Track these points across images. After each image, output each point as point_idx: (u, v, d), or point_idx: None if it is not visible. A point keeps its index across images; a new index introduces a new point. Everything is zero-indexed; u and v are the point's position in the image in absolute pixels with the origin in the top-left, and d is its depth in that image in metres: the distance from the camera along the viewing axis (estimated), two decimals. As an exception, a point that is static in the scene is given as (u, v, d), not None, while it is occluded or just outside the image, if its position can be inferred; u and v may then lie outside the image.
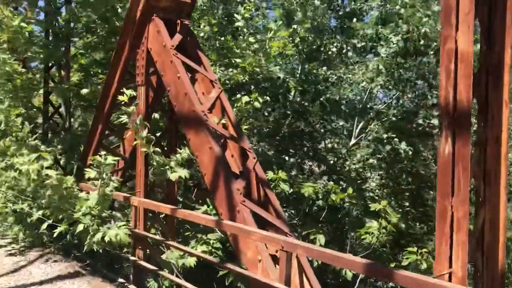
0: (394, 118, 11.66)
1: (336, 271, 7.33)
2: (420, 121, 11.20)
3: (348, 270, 5.94)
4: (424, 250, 5.88)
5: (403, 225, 6.72)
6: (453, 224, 3.47)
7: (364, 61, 12.85)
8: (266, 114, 11.57)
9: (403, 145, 11.17)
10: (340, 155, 12.36)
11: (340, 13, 13.43)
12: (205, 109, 6.50)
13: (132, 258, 6.93)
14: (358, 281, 6.74)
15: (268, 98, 10.06)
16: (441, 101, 3.55)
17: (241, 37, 10.61)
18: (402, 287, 3.33)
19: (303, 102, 11.55)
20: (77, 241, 7.96)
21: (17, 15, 10.24)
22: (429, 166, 13.11)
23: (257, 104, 8.76)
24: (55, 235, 7.35)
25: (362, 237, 6.84)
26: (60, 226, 7.17)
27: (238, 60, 9.96)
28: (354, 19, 12.69)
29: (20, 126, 8.88)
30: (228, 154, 6.92)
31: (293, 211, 9.59)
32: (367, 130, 12.79)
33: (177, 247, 6.38)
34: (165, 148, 8.48)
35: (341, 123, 12.45)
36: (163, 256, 6.94)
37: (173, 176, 6.61)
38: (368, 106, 12.84)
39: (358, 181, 12.13)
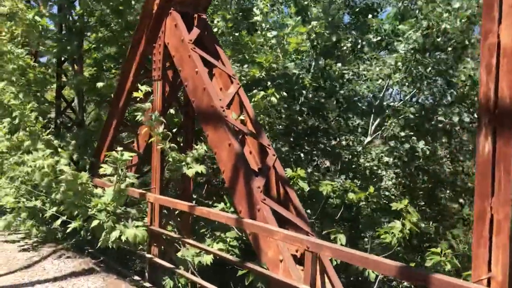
0: (412, 116, 11.43)
1: (353, 270, 7.20)
2: (441, 118, 10.96)
3: (371, 271, 5.81)
4: (449, 251, 5.72)
5: (422, 225, 6.54)
6: (492, 226, 3.31)
7: (380, 57, 12.65)
8: (280, 110, 11.40)
9: (421, 144, 11.00)
10: (356, 153, 12.18)
11: (357, 9, 13.22)
12: (224, 104, 6.37)
13: (148, 255, 6.83)
14: (377, 281, 6.59)
15: (285, 93, 9.90)
16: (480, 97, 3.38)
17: (258, 32, 10.45)
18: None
19: (318, 98, 11.38)
20: (90, 237, 7.87)
21: (31, 8, 10.16)
22: (444, 164, 12.93)
23: (273, 100, 8.63)
24: (68, 230, 7.25)
25: (382, 236, 6.68)
26: (74, 222, 7.07)
27: (255, 56, 9.81)
28: (370, 15, 12.49)
29: (34, 121, 8.81)
30: (246, 150, 6.77)
31: (308, 210, 9.44)
32: (383, 128, 12.59)
33: (194, 245, 6.27)
34: (181, 144, 8.36)
35: (357, 121, 12.24)
36: (179, 254, 6.84)
37: (190, 172, 6.50)
38: (385, 103, 12.63)
39: (374, 179, 11.95)
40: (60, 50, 10.72)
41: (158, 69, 7.47)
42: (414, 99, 12.61)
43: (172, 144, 6.83)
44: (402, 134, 11.51)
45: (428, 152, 11.19)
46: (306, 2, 12.96)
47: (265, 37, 10.06)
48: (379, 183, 11.88)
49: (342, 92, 11.89)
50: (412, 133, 11.41)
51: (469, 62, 11.15)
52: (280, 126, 12.14)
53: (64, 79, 11.66)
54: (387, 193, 12.02)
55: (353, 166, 11.80)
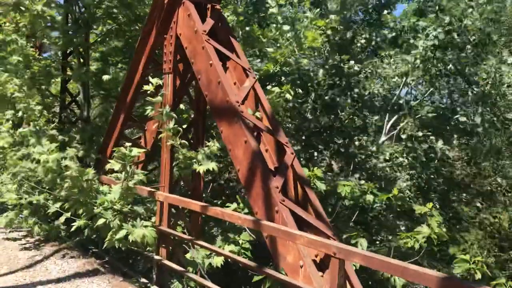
0: (430, 115, 11.02)
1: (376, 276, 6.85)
2: (462, 119, 10.54)
3: (397, 278, 5.44)
4: (478, 258, 5.35)
5: (444, 229, 6.19)
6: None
7: (396, 55, 12.26)
8: (293, 107, 11.02)
9: (439, 144, 10.60)
10: (370, 153, 11.79)
11: (370, 6, 12.82)
12: (240, 99, 6.02)
13: (157, 257, 6.47)
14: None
15: (300, 90, 9.53)
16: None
17: (273, 25, 10.06)
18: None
19: (333, 96, 10.99)
20: (95, 236, 7.54)
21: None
22: (460, 166, 12.54)
23: (289, 97, 8.27)
24: (73, 229, 6.91)
25: (404, 241, 6.33)
26: (78, 220, 6.74)
27: (269, 50, 9.42)
28: (385, 11, 12.12)
29: (38, 115, 8.50)
30: (262, 148, 6.40)
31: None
32: (399, 127, 12.20)
33: (206, 247, 5.92)
34: (191, 141, 8.00)
35: (374, 118, 11.82)
36: (188, 255, 6.50)
37: (201, 169, 6.16)
38: (401, 101, 12.21)
39: (391, 180, 11.57)
40: (66, 42, 10.38)
41: (169, 61, 7.13)
42: (430, 98, 12.19)
43: (183, 141, 6.49)
44: (420, 134, 11.11)
45: (447, 152, 10.79)
46: None
47: (280, 30, 9.64)
48: (393, 184, 11.48)
49: (356, 90, 11.50)
50: (430, 133, 11.00)
51: (491, 59, 10.71)
52: (290, 125, 11.78)
53: (69, 72, 11.32)
54: (401, 194, 11.60)
55: (368, 166, 11.41)
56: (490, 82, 10.69)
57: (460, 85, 11.58)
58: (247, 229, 6.83)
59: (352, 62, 12.06)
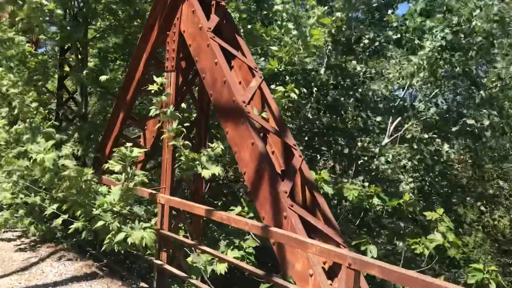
0: (437, 117, 10.83)
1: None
2: (470, 121, 10.35)
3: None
4: (492, 268, 5.16)
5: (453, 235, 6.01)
6: None
7: (401, 56, 12.06)
8: (296, 107, 10.80)
9: (445, 147, 10.43)
10: (373, 155, 11.59)
11: (374, 5, 12.59)
12: (246, 99, 5.80)
13: (157, 262, 6.24)
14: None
15: (305, 90, 9.31)
16: None
17: (278, 22, 9.82)
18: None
19: (337, 96, 10.78)
20: (92, 238, 7.29)
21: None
22: (464, 169, 12.38)
23: (293, 96, 8.05)
24: (70, 231, 6.67)
25: (412, 247, 6.14)
26: (76, 222, 6.49)
27: (274, 48, 9.20)
28: (390, 11, 11.93)
29: (35, 112, 8.24)
30: (269, 150, 6.18)
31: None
32: (403, 129, 12.00)
33: (209, 252, 5.70)
34: (193, 142, 7.78)
35: (378, 119, 11.60)
36: (189, 259, 6.28)
37: (206, 173, 5.94)
38: (406, 103, 12.01)
39: (395, 181, 11.38)
40: (64, 38, 10.11)
41: (172, 59, 6.89)
42: (435, 100, 11.99)
43: (186, 142, 6.27)
44: (426, 136, 10.93)
45: (452, 156, 10.62)
46: None
47: (285, 28, 9.40)
48: (396, 187, 11.29)
49: (360, 90, 11.30)
50: (436, 135, 10.82)
51: (499, 61, 10.53)
52: (292, 125, 11.56)
53: (66, 68, 11.04)
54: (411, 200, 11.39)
55: (371, 167, 11.21)
56: (499, 85, 10.50)
57: (467, 87, 11.40)
58: (251, 234, 6.62)
59: (354, 62, 11.87)
